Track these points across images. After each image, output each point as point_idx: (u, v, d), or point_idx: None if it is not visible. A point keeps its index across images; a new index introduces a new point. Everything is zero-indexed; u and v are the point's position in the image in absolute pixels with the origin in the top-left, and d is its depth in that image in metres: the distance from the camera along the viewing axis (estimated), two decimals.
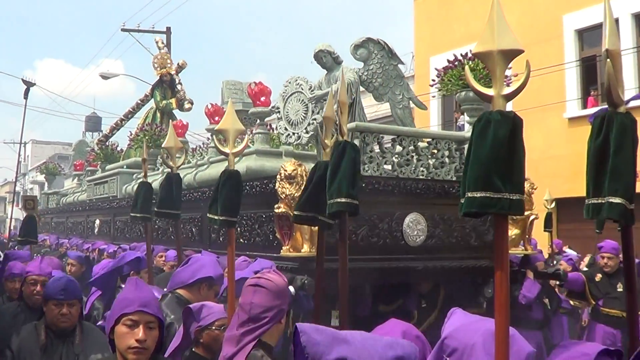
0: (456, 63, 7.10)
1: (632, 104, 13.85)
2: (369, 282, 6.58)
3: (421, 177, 6.73)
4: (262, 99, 7.41)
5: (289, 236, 5.93)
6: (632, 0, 14.28)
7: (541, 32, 15.38)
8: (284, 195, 5.76)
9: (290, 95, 6.94)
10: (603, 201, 2.11)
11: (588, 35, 15.22)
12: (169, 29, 20.86)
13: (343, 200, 3.56)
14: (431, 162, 6.87)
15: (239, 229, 6.98)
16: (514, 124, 2.11)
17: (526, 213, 6.81)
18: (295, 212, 3.99)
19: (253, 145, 7.67)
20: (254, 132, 7.63)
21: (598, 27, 14.41)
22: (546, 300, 7.25)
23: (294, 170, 5.76)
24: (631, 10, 14.43)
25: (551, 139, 14.92)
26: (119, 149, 13.17)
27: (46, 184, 18.34)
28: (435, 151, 6.91)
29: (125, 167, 11.37)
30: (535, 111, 14.50)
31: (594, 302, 7.13)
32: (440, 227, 6.63)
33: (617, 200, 2.08)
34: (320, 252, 4.17)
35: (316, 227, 5.93)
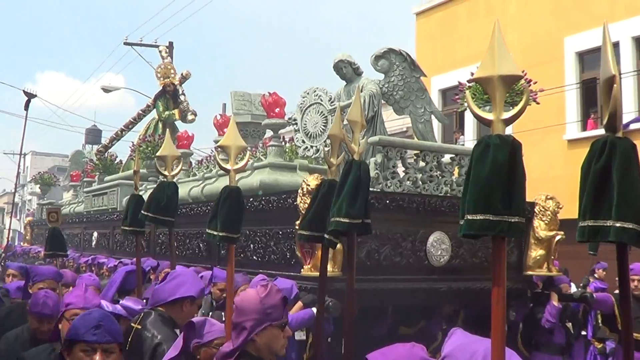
0: None
1: (633, 126, 13.57)
2: (392, 303, 6.17)
3: (445, 194, 6.35)
4: (277, 110, 7.00)
5: (310, 255, 5.56)
6: (633, 24, 14.10)
7: (542, 54, 15.15)
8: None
9: (309, 106, 6.54)
10: (605, 224, 2.06)
11: (588, 58, 15.03)
12: (171, 43, 20.31)
13: (342, 220, 3.42)
14: (454, 178, 6.49)
15: (252, 245, 6.59)
16: (512, 147, 2.12)
17: (551, 233, 6.45)
18: (300, 231, 3.87)
19: (266, 158, 7.26)
20: (268, 144, 7.19)
21: (599, 49, 13.89)
22: (569, 324, 6.84)
23: (318, 184, 5.36)
24: (632, 34, 14.25)
25: (550, 161, 14.69)
26: (117, 160, 12.70)
27: (42, 196, 17.82)
28: (459, 167, 6.52)
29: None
30: (536, 133, 14.25)
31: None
32: (464, 247, 6.27)
33: (629, 225, 2.02)
34: (323, 272, 3.93)
35: (339, 246, 5.61)
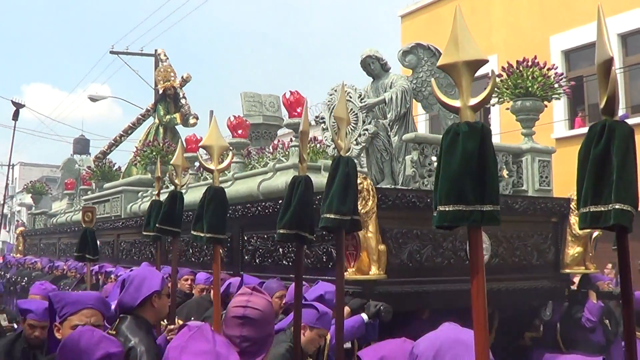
0: (511, 70, 6.39)
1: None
2: (434, 306, 5.73)
3: None
4: (299, 109, 6.54)
5: (354, 257, 5.10)
6: (618, 21, 13.92)
7: (528, 52, 14.70)
8: None
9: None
10: (606, 209, 1.95)
11: (574, 56, 14.82)
12: (156, 51, 19.82)
13: (332, 216, 3.29)
14: None
15: (280, 250, 6.11)
16: (482, 134, 2.03)
17: (588, 230, 6.06)
18: (280, 231, 3.55)
19: (287, 160, 6.80)
20: (289, 145, 6.72)
21: (584, 47, 14.07)
22: (607, 321, 6.47)
23: (360, 183, 4.94)
24: (617, 31, 14.06)
25: None
26: (116, 166, 12.09)
27: (33, 205, 17.05)
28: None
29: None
30: None
31: None
32: (504, 246, 5.89)
33: (627, 207, 1.93)
34: (298, 270, 3.69)
35: (383, 247, 5.18)
